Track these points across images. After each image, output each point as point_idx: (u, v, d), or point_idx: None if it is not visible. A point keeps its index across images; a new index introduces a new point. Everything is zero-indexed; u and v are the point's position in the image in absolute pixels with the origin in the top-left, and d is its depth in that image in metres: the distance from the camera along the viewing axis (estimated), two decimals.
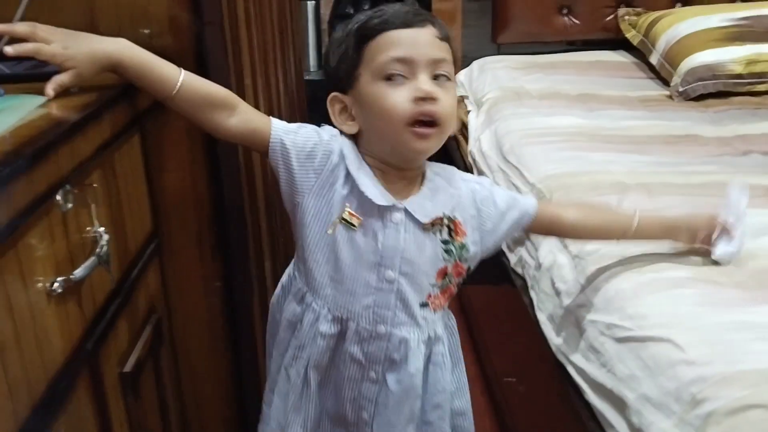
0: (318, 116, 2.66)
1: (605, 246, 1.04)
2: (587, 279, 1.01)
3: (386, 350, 0.92)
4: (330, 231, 0.89)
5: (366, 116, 0.89)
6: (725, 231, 0.99)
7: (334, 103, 0.92)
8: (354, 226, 0.89)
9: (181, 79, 0.84)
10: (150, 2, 0.93)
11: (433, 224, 0.91)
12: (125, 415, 0.86)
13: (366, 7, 2.46)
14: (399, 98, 0.85)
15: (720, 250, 0.98)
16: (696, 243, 1.01)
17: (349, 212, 0.89)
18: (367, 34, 0.88)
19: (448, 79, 0.88)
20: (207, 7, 0.94)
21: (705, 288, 0.91)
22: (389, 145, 0.89)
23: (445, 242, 0.92)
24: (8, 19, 0.89)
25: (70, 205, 0.69)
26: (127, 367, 0.86)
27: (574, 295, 1.03)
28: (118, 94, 0.81)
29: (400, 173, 0.91)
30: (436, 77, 0.87)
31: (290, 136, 0.90)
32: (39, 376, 0.63)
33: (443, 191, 0.93)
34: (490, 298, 1.95)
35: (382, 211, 0.89)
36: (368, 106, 0.88)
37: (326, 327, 0.92)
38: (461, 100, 2.10)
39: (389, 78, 0.86)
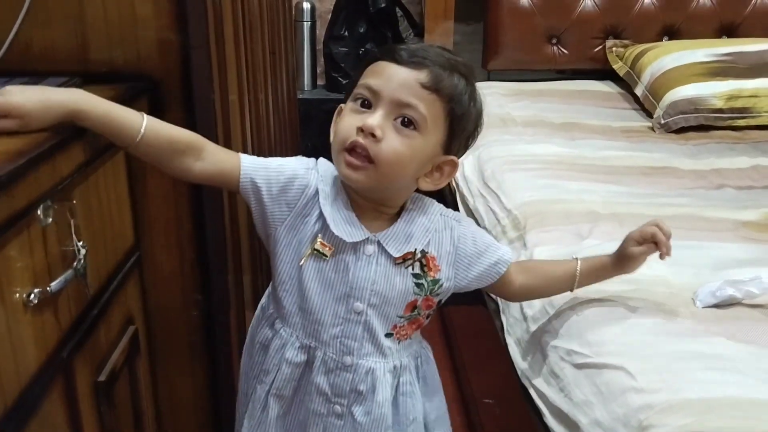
0: (311, 133, 2.71)
1: None
2: (553, 306, 1.05)
3: (352, 382, 0.93)
4: (302, 262, 0.91)
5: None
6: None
7: (338, 113, 0.93)
8: (326, 255, 0.90)
9: (144, 125, 0.82)
10: (139, 25, 0.97)
11: (404, 259, 0.91)
12: (97, 423, 0.89)
13: (361, 30, 2.51)
14: (348, 123, 0.87)
15: (703, 297, 1.00)
16: (641, 257, 0.98)
17: (321, 242, 0.90)
18: (370, 58, 0.91)
19: (413, 126, 0.85)
20: (194, 30, 0.98)
21: (659, 318, 0.95)
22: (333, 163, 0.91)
23: (416, 276, 0.92)
24: (5, 32, 0.93)
25: (50, 220, 0.72)
26: (102, 376, 0.89)
27: (540, 321, 1.06)
28: None
29: (374, 206, 0.92)
30: (398, 119, 0.85)
31: (260, 172, 0.90)
32: (12, 382, 0.66)
33: (419, 225, 0.93)
34: (470, 319, 1.98)
35: (355, 244, 0.90)
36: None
37: (292, 354, 0.94)
38: None
39: (357, 100, 0.88)
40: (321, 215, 0.90)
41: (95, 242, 0.86)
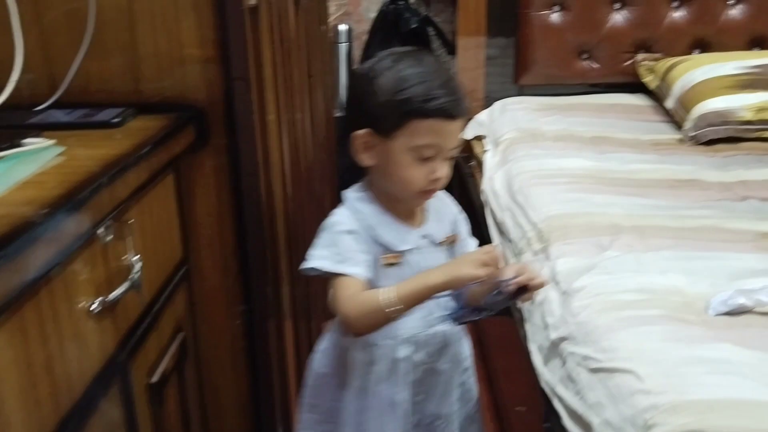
0: (346, 150, 2.80)
1: (592, 284, 1.14)
2: (572, 314, 1.11)
3: (439, 344, 1.14)
4: (376, 279, 1.07)
5: (387, 168, 1.06)
6: None
7: (361, 140, 1.07)
8: (396, 263, 1.09)
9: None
10: (186, 59, 1.06)
11: (443, 242, 1.14)
12: (151, 422, 0.98)
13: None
14: (418, 175, 1.05)
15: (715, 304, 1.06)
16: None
17: (387, 257, 1.09)
18: (418, 112, 1.02)
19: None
20: (235, 64, 1.07)
21: (673, 326, 1.00)
22: (392, 189, 1.09)
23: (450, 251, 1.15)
24: (61, 76, 1.04)
25: (109, 238, 0.82)
26: (154, 378, 0.98)
27: (559, 328, 1.12)
28: (156, 142, 0.94)
29: (411, 209, 1.13)
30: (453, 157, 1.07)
31: (356, 260, 1.06)
32: (77, 381, 0.75)
33: (444, 214, 1.16)
34: (503, 329, 2.03)
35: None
36: (394, 165, 1.05)
37: (404, 351, 1.12)
38: (479, 138, 2.21)
39: (418, 151, 1.03)
40: (377, 240, 1.08)
41: (148, 257, 0.95)
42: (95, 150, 0.87)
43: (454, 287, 1.04)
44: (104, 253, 0.81)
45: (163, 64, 1.07)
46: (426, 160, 1.04)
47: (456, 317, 1.09)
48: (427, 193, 1.08)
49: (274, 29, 1.32)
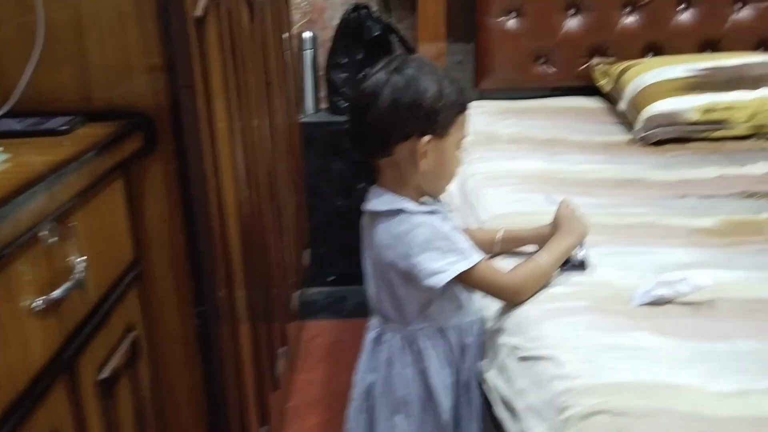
0: (315, 154, 2.85)
1: None
2: (507, 306, 1.16)
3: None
4: None
5: (441, 166, 1.19)
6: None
7: (423, 147, 1.16)
8: None
9: None
10: (134, 68, 1.11)
11: None
12: (101, 416, 1.02)
13: (359, 56, 2.65)
14: (459, 164, 1.24)
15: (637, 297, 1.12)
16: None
17: None
18: (461, 107, 1.19)
19: None
20: (180, 73, 1.11)
21: (595, 315, 1.06)
22: (439, 187, 1.24)
23: None
24: (13, 86, 1.08)
25: (53, 240, 0.86)
26: (103, 375, 1.02)
27: (495, 320, 1.18)
28: (100, 148, 0.99)
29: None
30: None
31: (472, 247, 1.21)
32: (21, 373, 0.79)
33: None
34: None
35: None
36: (449, 161, 1.21)
37: (470, 337, 1.24)
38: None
39: (460, 147, 1.22)
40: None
41: (96, 258, 0.99)
42: (41, 156, 0.91)
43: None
44: (48, 254, 0.86)
45: (111, 73, 1.11)
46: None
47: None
48: None
49: (224, 38, 1.37)
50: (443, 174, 1.21)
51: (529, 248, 1.31)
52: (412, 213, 1.17)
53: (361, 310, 1.31)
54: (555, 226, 1.27)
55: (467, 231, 1.36)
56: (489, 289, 1.18)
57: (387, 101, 1.15)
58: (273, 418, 1.79)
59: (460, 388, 1.23)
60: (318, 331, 2.51)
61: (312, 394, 2.15)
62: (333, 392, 2.10)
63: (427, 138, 1.15)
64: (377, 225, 1.22)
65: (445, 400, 1.21)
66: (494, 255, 1.34)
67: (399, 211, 1.18)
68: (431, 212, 1.18)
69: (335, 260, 2.75)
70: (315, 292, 2.77)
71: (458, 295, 1.23)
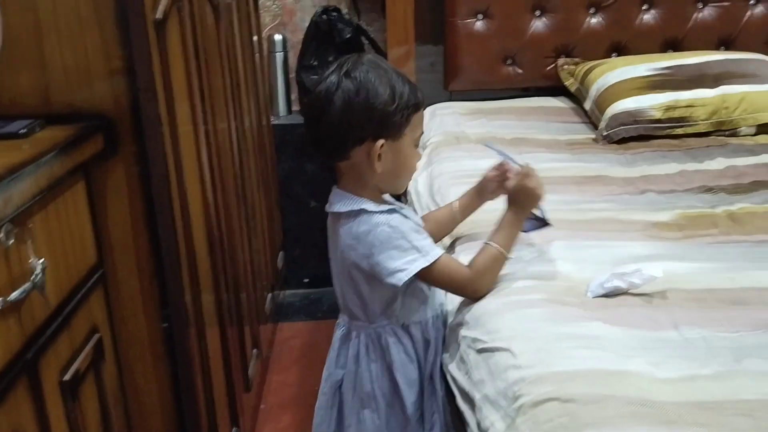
0: (287, 156, 2.86)
1: None
2: (466, 302, 1.19)
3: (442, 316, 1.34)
4: None
5: (398, 167, 1.22)
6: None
7: (377, 150, 1.18)
8: None
9: None
10: (93, 71, 1.12)
11: None
12: (65, 417, 1.02)
13: (330, 58, 2.66)
14: (416, 162, 1.28)
15: (592, 288, 1.15)
16: (497, 192, 1.37)
17: None
18: (415, 107, 1.21)
19: None
20: (141, 75, 1.12)
21: (552, 307, 1.08)
22: (399, 185, 1.28)
23: None
24: None
25: (11, 242, 0.87)
26: (67, 376, 1.02)
27: (456, 314, 1.20)
28: (58, 150, 1.00)
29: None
30: None
31: (432, 242, 1.25)
32: None
33: None
34: None
35: None
36: (405, 160, 1.23)
37: (433, 333, 1.27)
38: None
39: (416, 144, 1.25)
40: None
41: (57, 260, 1.00)
42: None
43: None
44: (5, 256, 0.86)
45: (71, 77, 1.12)
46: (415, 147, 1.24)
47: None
48: None
49: (187, 41, 1.38)
50: (401, 172, 1.24)
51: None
52: (372, 213, 1.19)
53: (336, 312, 1.33)
54: (509, 195, 1.30)
55: (427, 215, 1.44)
56: (449, 285, 1.21)
57: (339, 107, 1.15)
58: (245, 419, 1.80)
59: (424, 382, 1.25)
60: (293, 333, 2.52)
61: (286, 395, 2.16)
62: (306, 393, 2.11)
63: (381, 141, 1.16)
64: (339, 226, 1.24)
65: (409, 394, 1.24)
66: (459, 223, 1.44)
67: (359, 212, 1.20)
68: (391, 211, 1.20)
69: (310, 262, 2.77)
70: (290, 294, 2.78)
71: (420, 291, 1.25)
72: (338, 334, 1.33)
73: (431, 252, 1.17)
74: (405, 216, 1.21)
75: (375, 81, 1.15)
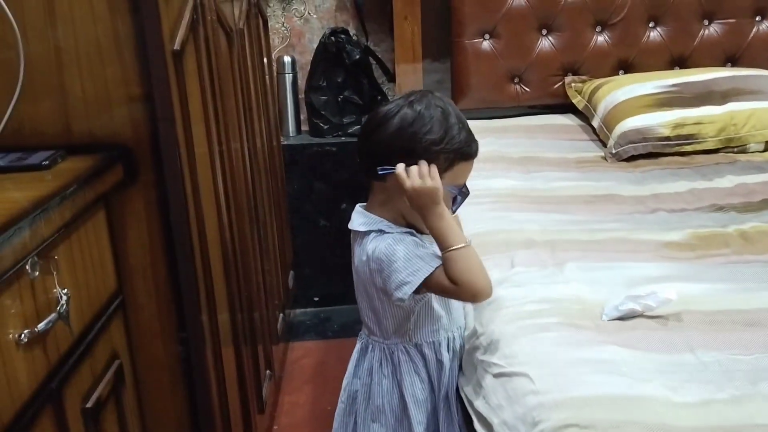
0: (297, 176, 2.88)
1: (501, 297, 1.23)
2: (482, 325, 1.20)
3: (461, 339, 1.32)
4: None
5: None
6: None
7: (429, 164, 1.19)
8: None
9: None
10: (113, 102, 1.14)
11: None
12: None
13: (339, 79, 2.69)
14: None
15: (607, 310, 1.16)
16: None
17: None
18: (464, 156, 1.23)
19: None
20: (159, 105, 1.14)
21: (567, 331, 1.09)
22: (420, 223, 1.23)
23: None
24: (1, 113, 1.11)
25: (37, 273, 0.88)
26: (89, 404, 1.04)
27: (471, 339, 1.21)
28: (81, 182, 1.01)
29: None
30: None
31: (432, 254, 1.22)
32: (7, 407, 0.81)
33: None
34: None
35: None
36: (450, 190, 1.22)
37: (446, 355, 1.26)
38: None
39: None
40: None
41: (79, 289, 1.02)
42: (24, 192, 0.93)
43: None
44: (32, 288, 0.88)
45: (90, 107, 1.14)
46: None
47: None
48: None
49: (203, 67, 1.40)
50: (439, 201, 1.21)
51: None
52: (387, 232, 1.22)
53: (347, 331, 1.36)
54: (411, 205, 1.21)
55: None
56: (450, 290, 1.19)
57: (391, 129, 1.21)
58: None
59: (439, 403, 1.26)
60: (304, 353, 2.53)
61: (298, 415, 2.16)
62: (319, 413, 2.12)
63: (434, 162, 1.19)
64: (357, 244, 1.27)
65: (417, 413, 1.25)
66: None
67: (378, 231, 1.23)
68: (406, 234, 1.22)
69: (319, 281, 2.78)
70: (300, 313, 2.79)
71: (433, 310, 1.27)
72: (358, 345, 1.38)
73: (432, 261, 1.18)
74: (420, 243, 1.22)
75: (433, 118, 1.19)
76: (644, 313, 1.13)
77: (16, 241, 0.81)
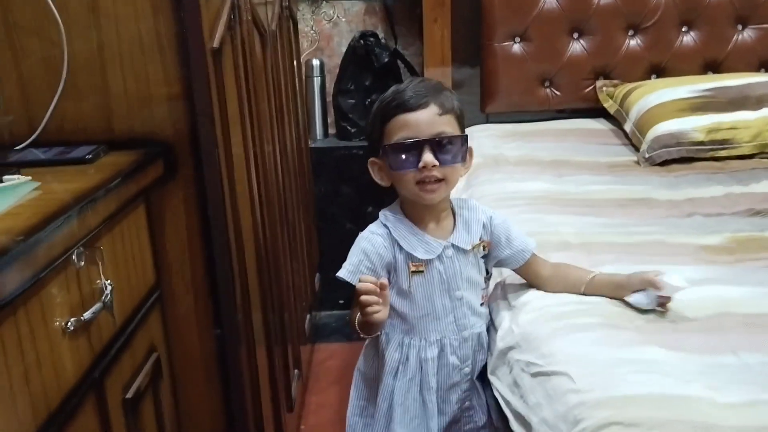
0: (324, 179, 2.89)
1: (537, 298, 1.22)
2: (518, 325, 1.19)
3: (473, 347, 1.27)
4: (406, 286, 1.22)
5: (394, 179, 1.23)
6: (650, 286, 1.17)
7: (372, 165, 1.26)
8: (422, 271, 1.23)
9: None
10: (154, 98, 1.15)
11: (473, 248, 1.26)
12: None
13: (367, 82, 2.70)
14: (408, 177, 1.20)
15: (634, 297, 1.16)
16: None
17: (414, 266, 1.23)
18: (386, 116, 1.21)
19: (450, 141, 1.18)
20: (199, 101, 1.16)
21: (606, 331, 1.08)
22: (410, 197, 1.23)
23: (484, 257, 1.29)
24: (38, 117, 1.13)
25: (82, 263, 0.90)
26: (129, 394, 1.05)
27: (506, 338, 1.20)
28: (124, 175, 1.03)
29: (430, 211, 1.25)
30: (440, 145, 1.16)
31: (359, 274, 1.24)
32: (54, 392, 0.82)
33: (474, 222, 1.28)
34: None
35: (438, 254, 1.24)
36: (391, 172, 1.22)
37: (430, 353, 1.24)
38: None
39: (399, 153, 1.19)
40: (403, 250, 1.23)
41: (120, 281, 1.03)
42: (69, 184, 0.95)
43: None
44: (78, 277, 0.89)
45: (132, 103, 1.16)
46: (409, 157, 1.18)
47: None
48: (424, 185, 1.19)
49: (239, 68, 1.41)
50: (398, 184, 1.25)
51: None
52: (381, 221, 1.29)
53: None
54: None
55: (563, 266, 1.32)
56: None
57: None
58: None
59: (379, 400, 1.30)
60: (329, 354, 2.53)
61: (324, 416, 2.16)
62: (345, 415, 2.12)
63: (371, 159, 1.27)
64: None
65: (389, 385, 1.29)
66: (580, 294, 1.26)
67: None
68: (381, 226, 1.27)
69: (345, 283, 2.78)
70: (325, 315, 2.80)
71: (394, 311, 1.27)
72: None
73: (345, 269, 1.28)
74: (389, 237, 1.25)
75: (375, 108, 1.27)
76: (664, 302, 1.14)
77: (65, 231, 0.82)
